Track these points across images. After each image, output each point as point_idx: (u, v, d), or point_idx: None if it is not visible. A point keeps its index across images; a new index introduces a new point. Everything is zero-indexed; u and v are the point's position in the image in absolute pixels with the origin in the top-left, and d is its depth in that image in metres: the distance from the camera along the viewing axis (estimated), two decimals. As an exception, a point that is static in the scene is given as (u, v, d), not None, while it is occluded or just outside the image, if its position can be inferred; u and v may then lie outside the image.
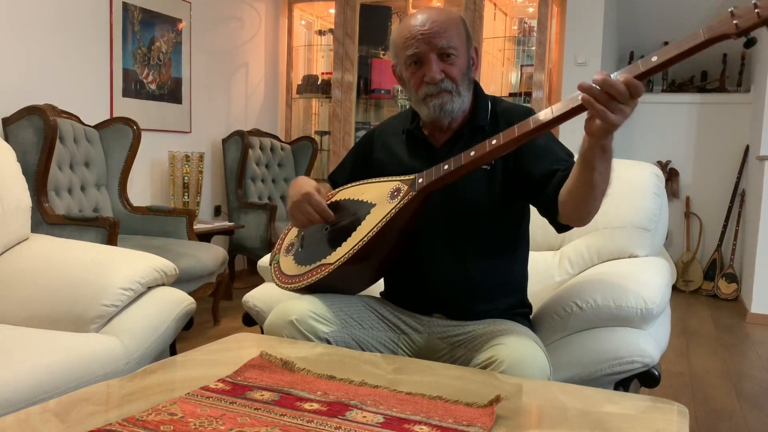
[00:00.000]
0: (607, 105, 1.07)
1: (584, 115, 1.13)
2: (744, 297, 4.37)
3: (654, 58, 1.09)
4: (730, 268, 4.71)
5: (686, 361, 3.10)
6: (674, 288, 4.54)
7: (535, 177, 1.38)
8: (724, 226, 4.90)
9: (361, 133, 1.50)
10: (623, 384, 1.47)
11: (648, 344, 1.44)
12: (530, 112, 1.43)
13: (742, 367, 3.09)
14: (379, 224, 1.34)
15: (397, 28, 1.46)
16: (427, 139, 1.49)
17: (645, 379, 1.45)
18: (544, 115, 1.19)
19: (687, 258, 4.96)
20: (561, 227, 1.38)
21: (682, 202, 5.14)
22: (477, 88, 1.49)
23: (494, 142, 1.25)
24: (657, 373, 1.44)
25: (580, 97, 1.10)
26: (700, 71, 5.23)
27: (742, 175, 4.87)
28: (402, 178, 1.39)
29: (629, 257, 1.74)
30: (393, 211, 1.34)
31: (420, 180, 1.35)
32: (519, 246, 1.52)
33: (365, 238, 1.35)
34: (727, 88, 5.08)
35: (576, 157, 1.22)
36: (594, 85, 1.07)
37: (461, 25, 1.44)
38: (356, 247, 1.35)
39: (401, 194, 1.36)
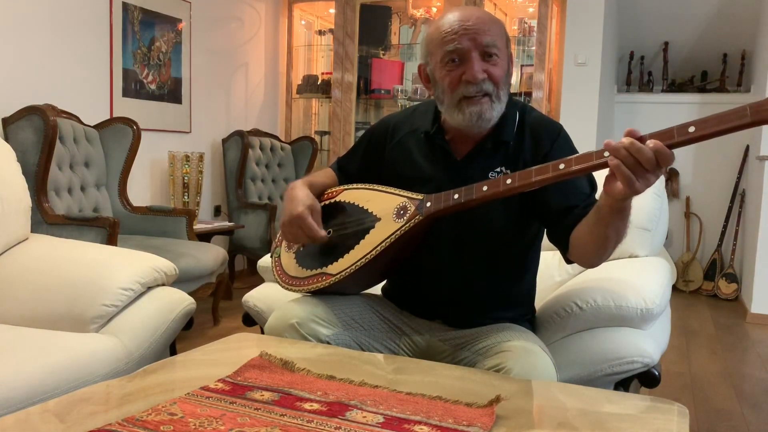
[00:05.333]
0: (634, 171, 1.01)
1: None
2: (744, 297, 4.37)
3: (691, 129, 1.00)
4: (730, 268, 4.71)
5: (686, 361, 3.10)
6: (674, 288, 4.53)
7: (550, 209, 1.33)
8: (724, 226, 4.90)
9: (361, 133, 1.50)
10: (623, 384, 1.47)
11: (648, 344, 1.44)
12: (559, 130, 1.39)
13: (742, 367, 3.09)
14: (383, 244, 1.34)
15: (433, 24, 1.37)
16: (448, 147, 1.41)
17: (645, 379, 1.45)
18: (566, 164, 1.13)
19: (687, 258, 4.96)
20: (569, 260, 1.35)
21: (682, 202, 5.14)
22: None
23: (509, 182, 1.19)
24: (657, 373, 1.44)
25: (605, 154, 1.04)
26: (700, 71, 5.23)
27: (742, 175, 4.87)
28: (410, 195, 1.36)
29: (629, 257, 1.74)
30: (398, 232, 1.33)
31: (428, 204, 1.31)
32: (530, 262, 1.49)
33: (368, 256, 1.35)
34: (727, 88, 5.08)
35: (599, 194, 1.16)
36: (622, 147, 1.01)
37: (503, 27, 1.36)
38: (358, 263, 1.35)
39: (407, 215, 1.33)
